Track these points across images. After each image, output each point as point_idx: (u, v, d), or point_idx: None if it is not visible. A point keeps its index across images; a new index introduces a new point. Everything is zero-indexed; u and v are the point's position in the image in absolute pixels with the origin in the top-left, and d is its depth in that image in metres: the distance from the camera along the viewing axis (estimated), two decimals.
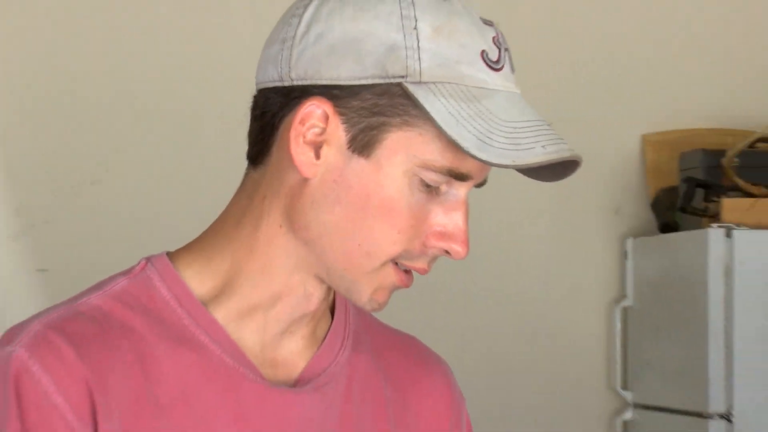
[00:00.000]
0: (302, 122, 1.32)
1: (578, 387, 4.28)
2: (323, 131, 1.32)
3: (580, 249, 4.32)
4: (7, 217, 3.95)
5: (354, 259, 1.34)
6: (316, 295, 1.40)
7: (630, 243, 4.26)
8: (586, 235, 4.32)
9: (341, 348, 1.46)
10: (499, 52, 1.34)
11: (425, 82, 1.30)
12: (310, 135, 1.33)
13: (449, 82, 1.31)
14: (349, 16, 1.32)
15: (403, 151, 1.31)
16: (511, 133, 1.29)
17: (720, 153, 4.03)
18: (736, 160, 3.97)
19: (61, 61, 4.03)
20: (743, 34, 4.44)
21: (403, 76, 1.30)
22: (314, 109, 1.32)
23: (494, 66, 1.33)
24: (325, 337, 1.46)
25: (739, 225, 3.80)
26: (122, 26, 4.07)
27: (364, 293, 1.36)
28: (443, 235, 1.34)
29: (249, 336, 1.40)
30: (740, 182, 3.95)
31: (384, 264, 1.34)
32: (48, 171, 4.00)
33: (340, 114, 1.32)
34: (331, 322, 1.47)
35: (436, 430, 1.52)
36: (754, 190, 3.95)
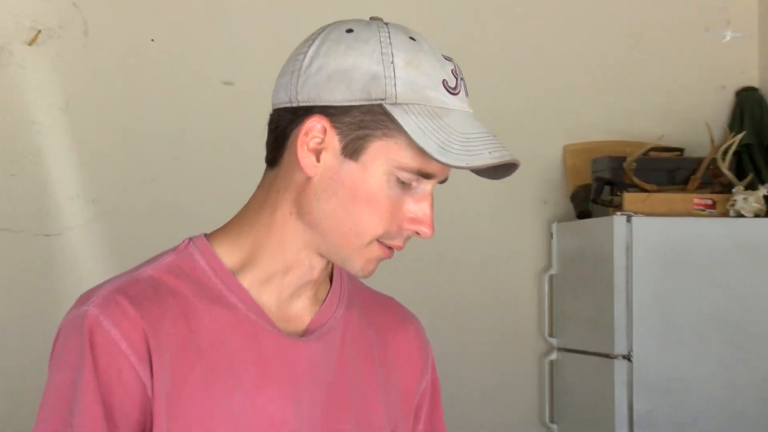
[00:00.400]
0: (306, 134, 1.33)
1: (516, 335, 4.28)
2: (322, 141, 1.33)
3: (518, 230, 4.31)
4: (85, 205, 3.93)
5: (347, 238, 1.35)
6: (317, 267, 1.41)
7: (555, 226, 4.26)
8: (521, 220, 4.32)
9: (338, 306, 1.46)
10: (457, 80, 1.35)
11: (400, 104, 1.32)
12: (312, 144, 1.33)
13: (418, 104, 1.32)
14: (342, 53, 1.33)
15: (383, 155, 1.32)
16: (464, 142, 1.31)
17: (622, 159, 4.03)
18: (634, 164, 3.98)
19: (129, 83, 4.00)
20: (639, 70, 4.42)
21: (383, 99, 1.32)
22: (315, 124, 1.33)
23: (452, 91, 1.34)
24: (325, 299, 1.46)
25: (636, 213, 3.80)
26: (175, 57, 4.04)
27: (356, 264, 1.37)
28: (414, 220, 1.35)
29: (267, 298, 1.40)
30: (637, 181, 3.96)
31: (370, 242, 1.35)
32: (118, 170, 3.98)
33: (335, 127, 1.33)
34: (330, 287, 1.47)
35: (410, 366, 1.53)
36: (647, 187, 3.96)
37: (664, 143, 4.19)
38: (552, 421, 4.20)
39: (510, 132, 4.25)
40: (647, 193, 3.93)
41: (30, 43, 3.89)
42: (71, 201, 3.92)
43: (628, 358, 3.72)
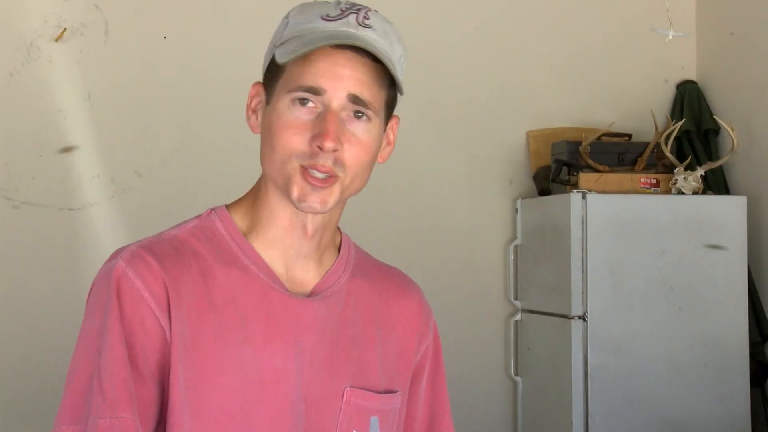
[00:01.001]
0: (250, 100, 1.39)
1: (485, 298, 4.27)
2: (260, 101, 1.37)
3: (487, 206, 4.30)
4: (105, 184, 3.92)
5: (276, 170, 1.34)
6: (310, 225, 1.37)
7: (519, 203, 4.25)
8: (490, 197, 4.30)
9: (342, 273, 1.43)
10: (342, 12, 1.31)
11: (282, 43, 1.32)
12: (254, 105, 1.39)
13: (294, 36, 1.31)
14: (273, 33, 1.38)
15: (281, 89, 1.32)
16: (311, 41, 1.28)
17: (578, 143, 4.02)
18: (588, 148, 3.98)
19: (144, 75, 3.99)
20: (593, 66, 4.44)
21: (275, 45, 1.34)
22: (252, 89, 1.39)
23: (329, 19, 1.31)
24: (331, 266, 1.42)
25: (590, 191, 3.80)
26: (185, 53, 4.01)
27: (293, 193, 1.32)
28: (316, 136, 1.29)
29: (276, 261, 1.37)
30: (591, 163, 3.96)
31: (292, 165, 1.31)
32: (134, 153, 3.97)
33: (264, 87, 1.37)
34: (338, 256, 1.44)
35: (410, 329, 1.49)
36: (600, 168, 3.96)
37: (614, 130, 4.19)
38: (516, 374, 4.20)
39: (479, 119, 4.27)
40: (600, 174, 3.92)
41: (56, 40, 3.86)
42: (92, 180, 3.90)
43: (583, 318, 3.71)
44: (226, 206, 1.41)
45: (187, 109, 4.01)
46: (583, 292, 3.72)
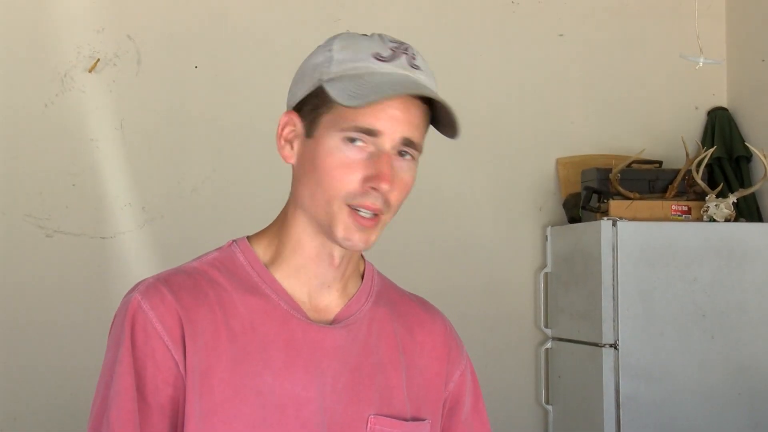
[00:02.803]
0: (282, 129, 1.37)
1: (515, 325, 4.25)
2: (294, 131, 1.36)
3: (516, 234, 4.28)
4: (136, 212, 3.94)
5: (321, 208, 1.33)
6: (337, 256, 1.37)
7: (549, 230, 4.23)
8: (520, 225, 4.29)
9: (365, 301, 1.43)
10: (394, 53, 1.31)
11: (333, 79, 1.30)
12: (286, 133, 1.37)
13: (347, 74, 1.30)
14: (304, 61, 1.37)
15: (331, 125, 1.31)
16: (373, 87, 1.27)
17: (608, 170, 4.01)
18: (618, 175, 3.96)
19: (175, 105, 4.02)
20: (624, 93, 4.43)
21: (321, 80, 1.31)
22: (284, 118, 1.37)
23: (383, 59, 1.31)
24: (354, 294, 1.42)
25: (621, 218, 3.78)
26: (215, 82, 4.04)
27: (338, 233, 1.32)
28: (371, 178, 1.30)
29: (298, 289, 1.38)
30: (621, 190, 3.94)
31: (340, 205, 1.31)
32: (164, 181, 3.98)
33: (300, 117, 1.35)
34: (361, 284, 1.44)
35: (436, 357, 1.47)
36: (630, 195, 3.94)
37: (645, 157, 4.17)
38: (547, 402, 4.17)
39: (509, 146, 4.27)
40: (630, 201, 3.90)
41: (90, 71, 3.90)
42: (124, 208, 3.92)
43: (614, 346, 3.68)
44: (248, 237, 1.42)
45: (217, 137, 4.03)
46: (614, 320, 3.69)
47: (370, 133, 1.29)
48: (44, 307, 3.84)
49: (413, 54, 1.33)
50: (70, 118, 3.89)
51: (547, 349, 4.18)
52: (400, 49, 1.32)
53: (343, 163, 1.29)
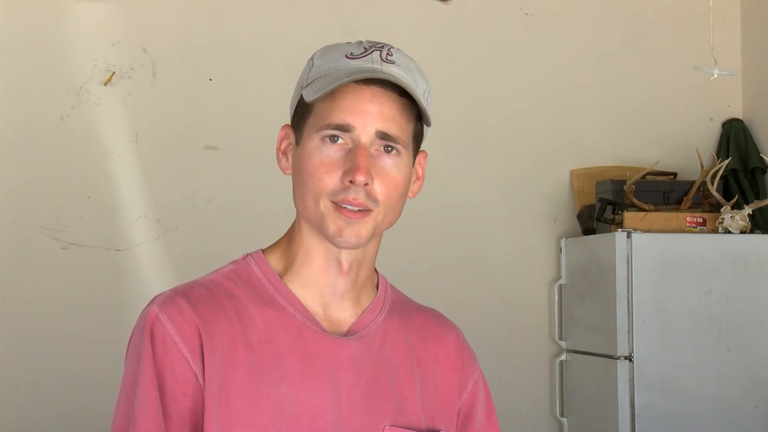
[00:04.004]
0: (280, 142, 1.41)
1: (529, 337, 4.25)
2: (290, 143, 1.39)
3: (530, 245, 4.28)
4: (151, 224, 3.95)
5: (310, 208, 1.35)
6: (344, 261, 1.38)
7: (563, 242, 4.22)
8: (534, 236, 4.29)
9: (379, 313, 1.44)
10: (366, 50, 1.34)
11: (309, 84, 1.34)
12: (284, 147, 1.40)
13: (321, 76, 1.33)
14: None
15: (311, 129, 1.34)
16: (337, 79, 1.31)
17: (622, 182, 4.01)
18: (633, 186, 3.96)
19: (190, 117, 4.03)
20: (638, 104, 4.43)
21: (302, 87, 1.36)
22: (282, 132, 1.41)
23: (353, 57, 1.33)
24: (368, 306, 1.43)
25: (635, 230, 3.78)
26: (229, 94, 4.06)
27: (329, 230, 1.34)
28: (347, 171, 1.31)
29: (312, 301, 1.39)
30: (636, 201, 3.94)
31: (325, 202, 1.33)
32: (179, 193, 4.00)
33: (292, 128, 1.39)
34: (375, 296, 1.45)
35: (449, 367, 1.48)
36: (644, 207, 3.94)
37: (659, 168, 4.16)
38: (562, 415, 4.16)
39: (523, 158, 4.27)
40: (645, 212, 3.90)
41: (105, 83, 3.92)
42: (139, 220, 3.94)
43: (629, 358, 3.67)
44: (262, 250, 1.43)
45: (232, 149, 4.04)
46: (628, 332, 3.68)
47: (344, 128, 1.31)
48: (59, 318, 3.85)
49: (390, 51, 1.34)
50: (85, 131, 3.91)
51: (561, 361, 4.18)
52: (375, 47, 1.34)
53: (323, 162, 1.31)
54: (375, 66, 1.32)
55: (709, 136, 4.43)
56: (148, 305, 1.35)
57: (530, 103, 4.33)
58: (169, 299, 1.33)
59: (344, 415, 1.34)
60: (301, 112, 1.36)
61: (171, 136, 3.99)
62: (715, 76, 3.35)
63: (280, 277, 1.39)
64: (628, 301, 3.69)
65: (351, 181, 1.29)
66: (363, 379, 1.37)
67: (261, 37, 4.11)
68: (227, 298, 1.35)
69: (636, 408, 3.65)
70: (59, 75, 3.91)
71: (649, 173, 4.06)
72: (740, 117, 4.44)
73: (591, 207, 4.12)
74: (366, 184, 1.30)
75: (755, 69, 4.41)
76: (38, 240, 3.85)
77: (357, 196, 1.30)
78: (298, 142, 1.36)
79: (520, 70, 4.34)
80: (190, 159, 4.01)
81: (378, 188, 1.32)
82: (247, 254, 1.42)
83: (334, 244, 1.34)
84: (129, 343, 1.36)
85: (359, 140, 1.31)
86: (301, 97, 1.35)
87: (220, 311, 1.34)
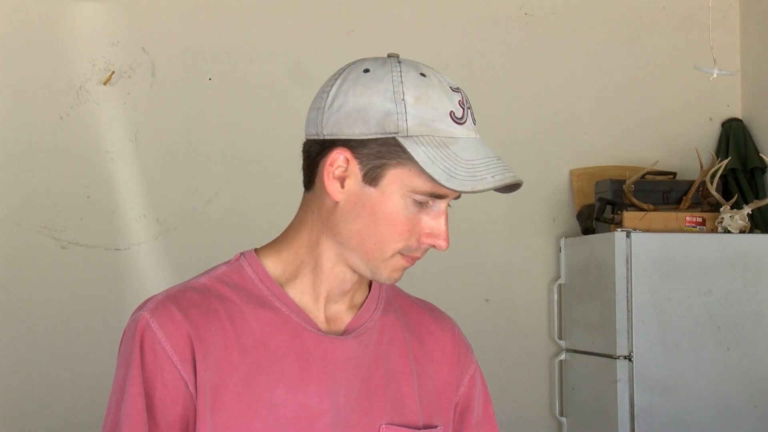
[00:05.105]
0: (331, 164, 1.33)
1: (529, 337, 4.25)
2: (346, 169, 1.33)
3: (530, 245, 4.28)
4: (150, 224, 3.96)
5: (372, 253, 1.34)
6: (349, 279, 1.40)
7: (563, 241, 4.23)
8: (533, 236, 4.29)
9: (375, 310, 1.44)
10: (463, 110, 1.34)
11: (411, 136, 1.30)
12: (337, 172, 1.33)
13: (427, 135, 1.30)
14: (359, 92, 1.32)
15: (399, 181, 1.31)
16: (469, 168, 1.29)
17: (622, 182, 4.01)
18: (632, 186, 3.96)
19: (189, 117, 4.03)
20: (637, 104, 4.42)
21: (396, 132, 1.30)
22: (338, 155, 1.32)
23: (459, 121, 1.32)
24: (363, 304, 1.44)
25: (635, 229, 3.78)
26: (229, 94, 4.06)
27: (383, 274, 1.36)
28: (430, 235, 1.34)
29: (308, 303, 1.39)
30: (635, 201, 3.94)
31: (393, 254, 1.34)
32: (179, 193, 4.00)
33: (356, 158, 1.32)
34: (369, 293, 1.45)
35: (446, 363, 1.49)
36: (644, 206, 3.94)
37: (659, 168, 4.16)
38: (561, 414, 4.16)
39: (523, 158, 4.27)
40: (644, 212, 3.90)
41: (104, 83, 3.92)
42: (138, 220, 3.94)
43: (629, 358, 3.67)
44: (256, 250, 1.42)
45: (231, 149, 4.04)
46: (628, 332, 3.68)
47: (438, 197, 1.33)
48: (58, 318, 3.85)
49: (469, 104, 1.36)
50: (84, 131, 3.92)
51: (561, 360, 4.18)
52: (465, 104, 1.34)
53: (409, 220, 1.33)
54: (487, 150, 1.33)
55: (708, 136, 4.43)
56: (139, 309, 1.35)
57: (529, 103, 4.33)
58: (161, 305, 1.33)
59: (342, 416, 1.34)
60: (384, 154, 1.31)
61: (170, 136, 3.99)
62: (715, 76, 3.35)
63: (280, 281, 1.38)
64: (627, 301, 3.69)
65: (433, 246, 1.34)
66: (360, 378, 1.37)
67: (261, 37, 4.11)
68: (220, 302, 1.35)
69: (635, 408, 3.65)
70: (59, 75, 3.91)
71: (648, 173, 4.06)
72: (739, 117, 4.44)
73: (590, 207, 4.12)
74: None
75: (754, 69, 4.41)
76: (38, 240, 3.86)
77: (424, 252, 1.36)
78: (371, 182, 1.32)
79: (520, 70, 4.33)
80: (189, 159, 4.01)
81: None
82: (240, 254, 1.41)
83: (375, 280, 1.38)
84: (120, 345, 1.36)
85: (443, 206, 1.34)
86: (394, 140, 1.30)
87: (213, 316, 1.33)
